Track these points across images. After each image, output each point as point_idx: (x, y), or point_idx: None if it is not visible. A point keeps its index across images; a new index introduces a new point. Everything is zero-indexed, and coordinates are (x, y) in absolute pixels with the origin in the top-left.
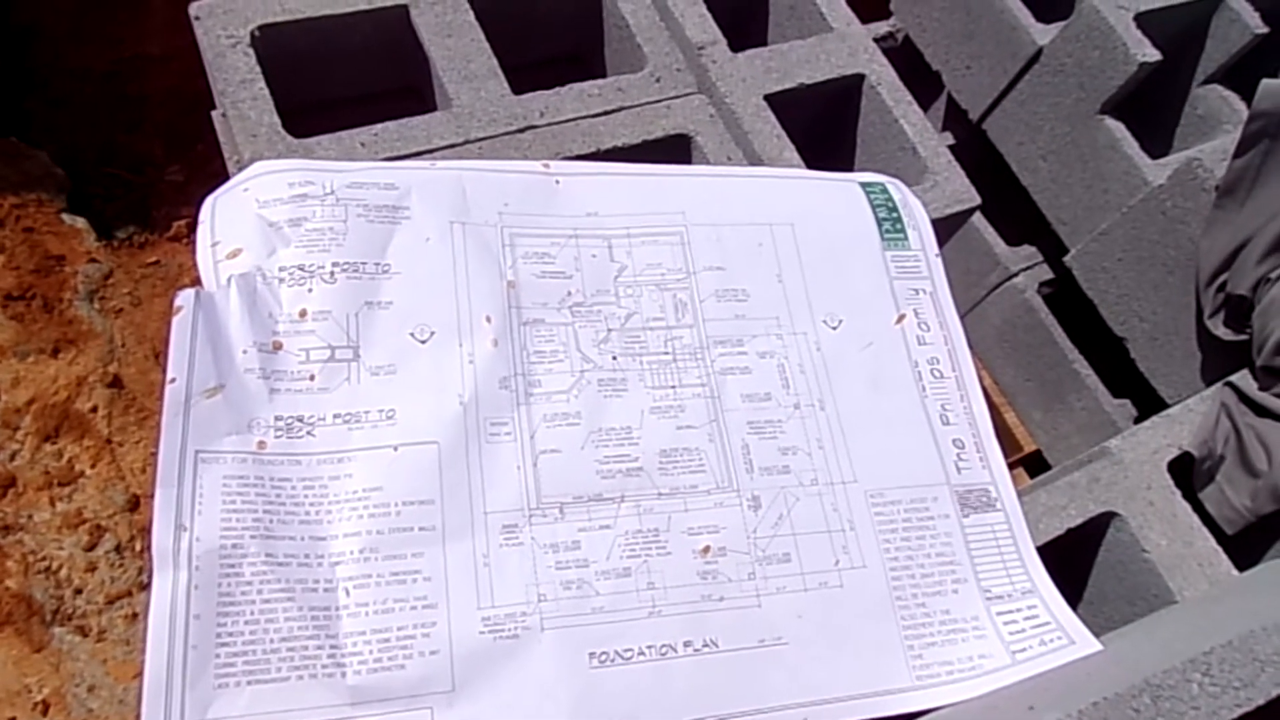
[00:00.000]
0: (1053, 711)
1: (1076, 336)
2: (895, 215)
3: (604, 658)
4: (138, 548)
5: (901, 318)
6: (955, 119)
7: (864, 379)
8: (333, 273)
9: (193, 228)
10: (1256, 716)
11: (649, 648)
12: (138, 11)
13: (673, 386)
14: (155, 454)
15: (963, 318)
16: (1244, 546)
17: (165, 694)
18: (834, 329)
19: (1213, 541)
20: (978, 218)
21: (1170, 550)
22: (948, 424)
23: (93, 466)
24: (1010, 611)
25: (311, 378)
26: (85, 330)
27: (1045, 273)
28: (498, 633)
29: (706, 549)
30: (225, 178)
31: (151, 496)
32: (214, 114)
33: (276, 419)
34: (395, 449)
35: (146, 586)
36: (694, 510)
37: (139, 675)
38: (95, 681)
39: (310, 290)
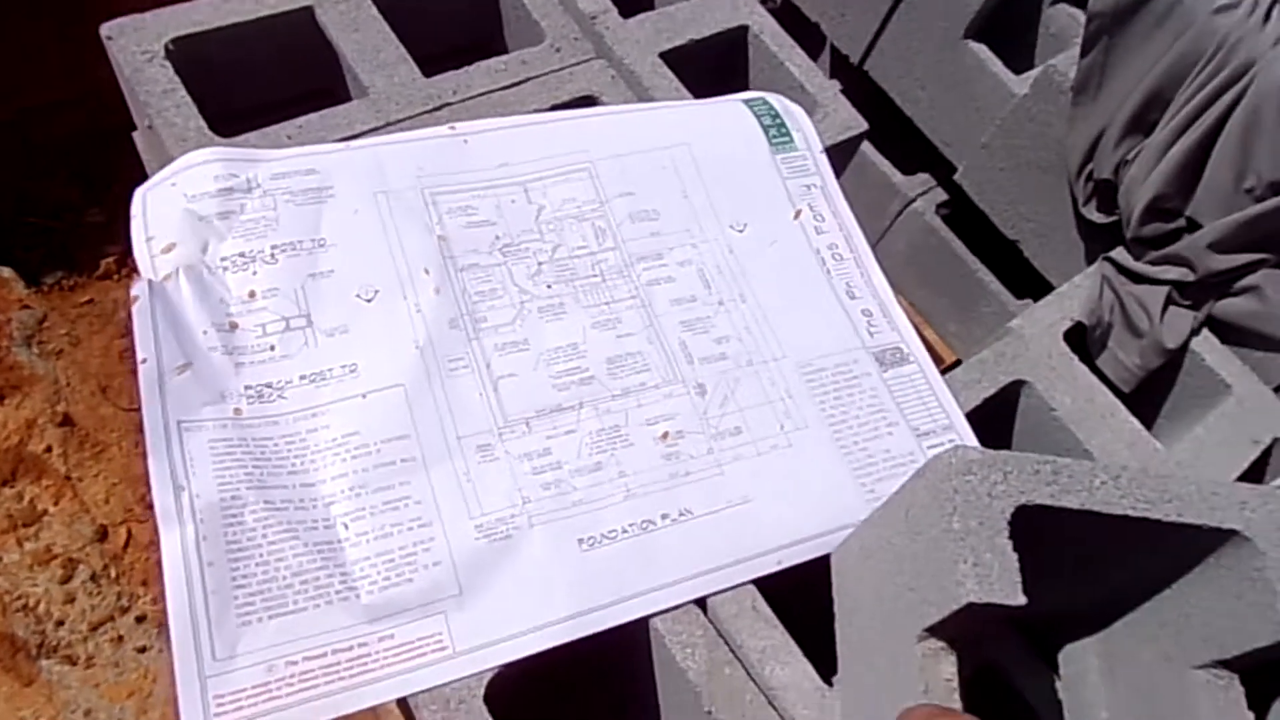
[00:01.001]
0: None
1: (977, 248)
2: (779, 122)
3: (591, 541)
4: (113, 574)
5: (798, 213)
6: (840, 67)
7: (775, 271)
8: (273, 254)
9: (121, 264)
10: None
11: (630, 525)
12: (32, 61)
13: (607, 303)
14: (117, 484)
15: (873, 248)
16: (1140, 400)
17: (194, 640)
18: (740, 232)
19: (1111, 396)
20: (873, 153)
21: (1075, 407)
22: (854, 298)
23: (55, 504)
24: (937, 445)
25: (272, 348)
26: (28, 375)
27: (941, 195)
28: (491, 536)
29: (665, 435)
30: None
31: (146, 481)
32: (135, 135)
33: (246, 388)
34: (364, 396)
35: (127, 610)
36: (647, 404)
37: (133, 694)
38: (91, 705)
39: (254, 273)
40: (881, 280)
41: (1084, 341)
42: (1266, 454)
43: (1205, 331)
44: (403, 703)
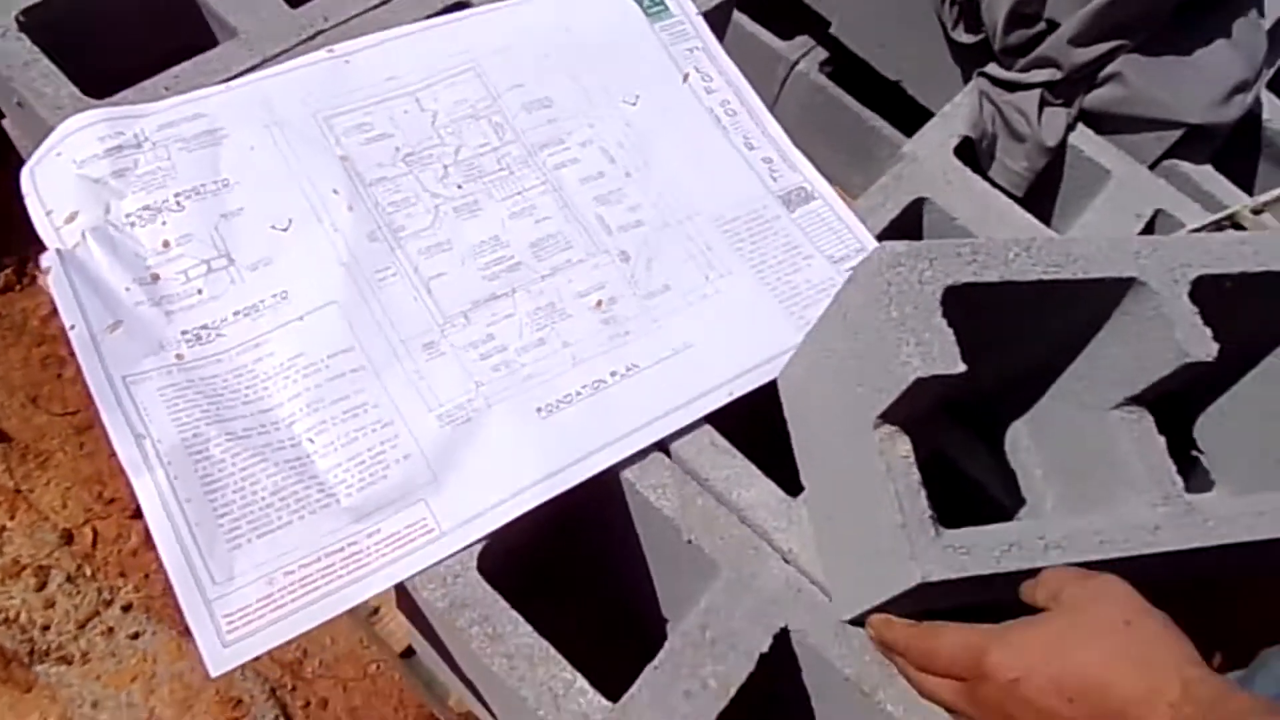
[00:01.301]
0: None
1: (865, 99)
2: None
3: (549, 408)
4: (88, 572)
5: (686, 76)
6: None
7: (674, 135)
8: (178, 202)
9: (20, 274)
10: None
11: (583, 388)
12: None
13: (519, 193)
14: (70, 487)
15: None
16: (1033, 201)
17: (190, 572)
18: (634, 105)
19: (1005, 199)
20: (750, 24)
21: (974, 214)
22: (753, 149)
23: (11, 518)
24: (853, 268)
25: (199, 291)
26: None
27: (822, 54)
28: (454, 421)
29: (599, 303)
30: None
31: (99, 480)
32: (5, 124)
33: (183, 333)
34: (301, 319)
35: (110, 602)
36: (576, 279)
37: (136, 678)
38: (96, 696)
39: (164, 223)
40: (776, 128)
41: (974, 156)
42: (1150, 226)
43: (1080, 126)
44: (402, 592)
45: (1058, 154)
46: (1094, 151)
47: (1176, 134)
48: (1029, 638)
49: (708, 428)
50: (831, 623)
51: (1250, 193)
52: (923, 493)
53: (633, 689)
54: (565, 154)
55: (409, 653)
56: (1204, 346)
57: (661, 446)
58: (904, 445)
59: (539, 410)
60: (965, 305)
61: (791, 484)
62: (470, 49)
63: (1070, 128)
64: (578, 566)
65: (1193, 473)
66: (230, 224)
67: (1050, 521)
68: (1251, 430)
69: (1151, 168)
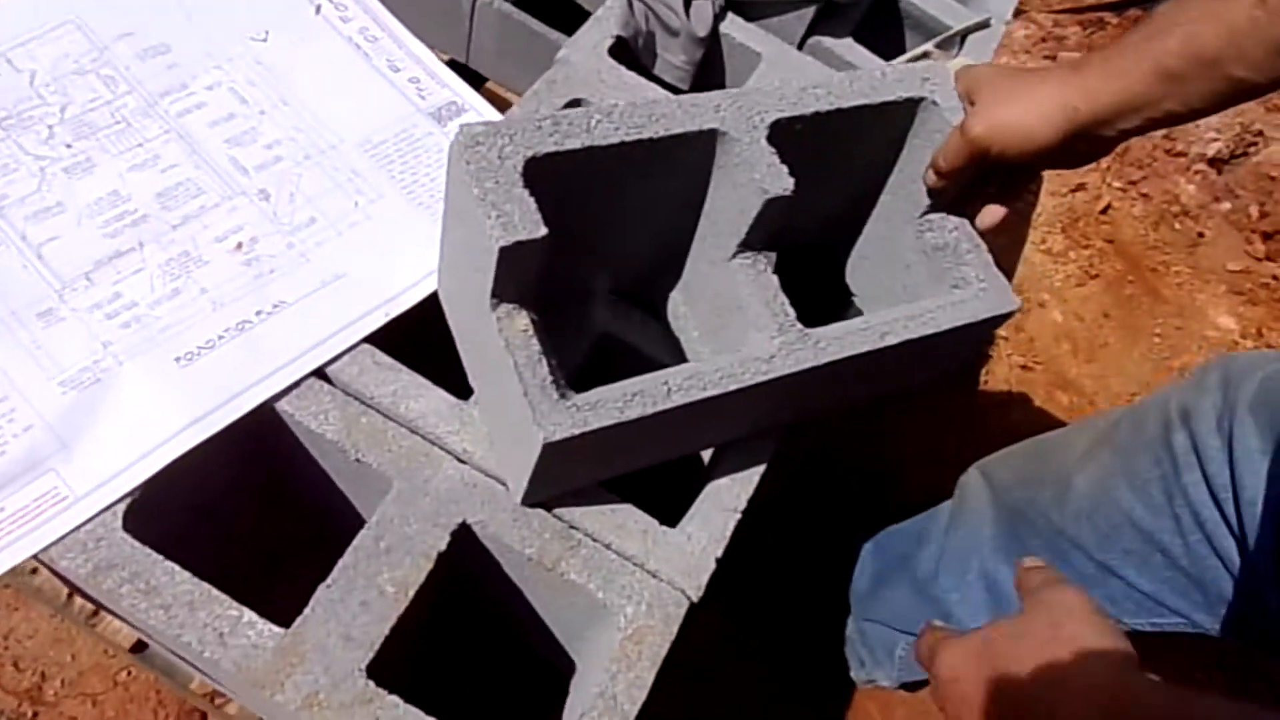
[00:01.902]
0: None
1: (552, 21)
2: None
3: (189, 356)
4: None
5: (319, 8)
6: None
7: (312, 67)
8: None
9: None
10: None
11: (226, 331)
12: None
13: (140, 144)
14: None
15: (466, 56)
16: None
17: None
18: (264, 41)
19: (662, 92)
20: None
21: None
22: (398, 70)
23: None
24: None
25: None
26: None
27: None
28: (79, 386)
29: (239, 245)
30: None
31: None
32: None
33: None
34: None
35: None
36: (213, 224)
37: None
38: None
39: None
40: (421, 48)
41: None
42: None
43: (731, 15)
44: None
45: (713, 44)
46: (744, 37)
47: (811, 11)
48: (971, 641)
49: (368, 348)
50: (509, 510)
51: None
52: (544, 361)
53: (306, 610)
54: (190, 99)
55: (140, 647)
56: (781, 182)
57: (322, 374)
58: (522, 320)
59: (178, 360)
60: (558, 175)
61: (465, 388)
62: (70, 2)
63: (719, 17)
64: (246, 501)
65: (849, 316)
66: None
67: (678, 370)
68: (881, 266)
69: (799, 47)
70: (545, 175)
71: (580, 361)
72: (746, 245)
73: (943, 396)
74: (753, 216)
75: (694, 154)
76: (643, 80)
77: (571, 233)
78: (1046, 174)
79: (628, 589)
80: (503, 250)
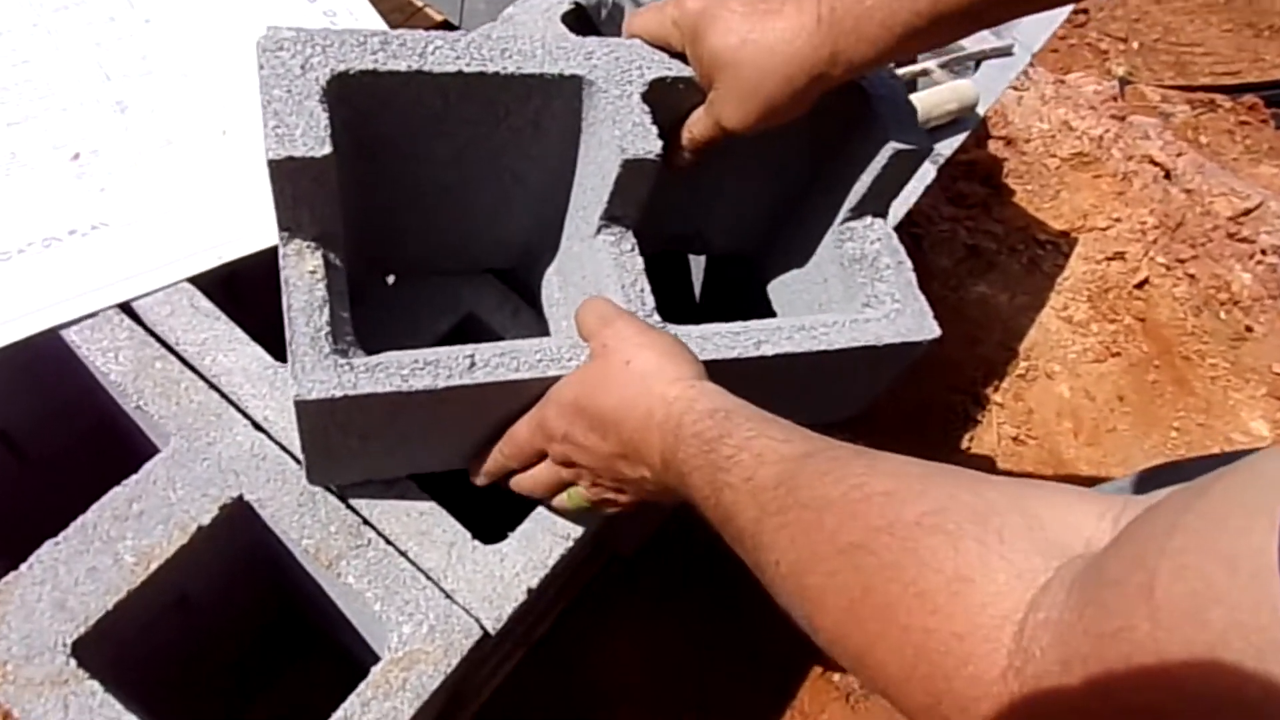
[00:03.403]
0: None
1: None
2: None
3: None
4: None
5: None
6: None
7: None
8: None
9: None
10: None
11: (29, 245)
12: None
13: (4, 33)
14: None
15: (459, 22)
16: None
17: None
18: None
19: None
20: None
21: None
22: (314, 1)
23: None
24: None
25: None
26: None
27: None
28: None
29: (76, 155)
30: None
31: None
32: None
33: None
34: None
35: None
36: (54, 127)
37: None
38: None
39: None
40: None
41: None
42: None
43: None
44: None
45: None
46: None
47: None
48: (551, 408)
49: (189, 288)
50: (296, 492)
51: None
52: (326, 310)
53: (23, 565)
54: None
55: None
56: (644, 144)
57: (130, 310)
58: (312, 260)
59: None
60: (384, 104)
61: None
62: None
63: None
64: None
65: None
66: None
67: (491, 345)
68: (799, 278)
69: None
70: (365, 100)
71: (434, 340)
72: (611, 218)
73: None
74: (612, 181)
75: (560, 106)
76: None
77: (420, 187)
78: (1081, 237)
79: (410, 605)
80: (273, 164)
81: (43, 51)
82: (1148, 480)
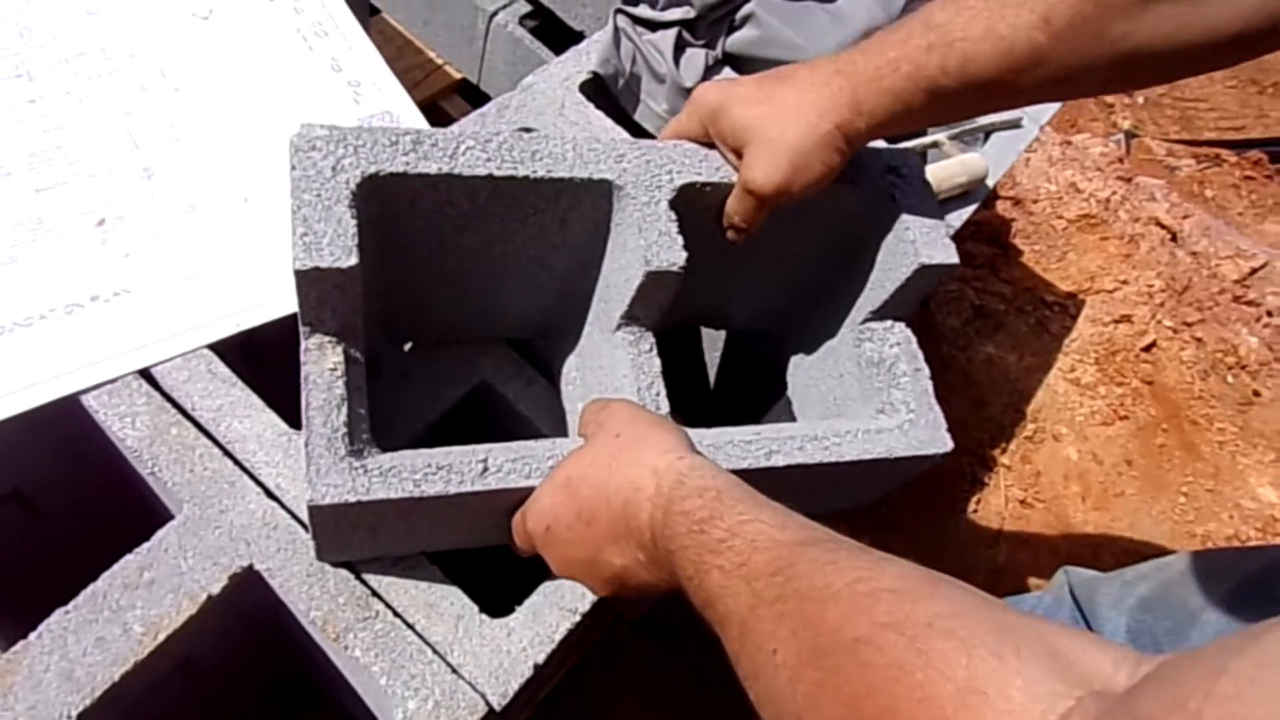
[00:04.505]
0: None
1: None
2: None
3: None
4: None
5: None
6: None
7: (249, 54)
8: None
9: None
10: None
11: (51, 310)
12: None
13: (32, 100)
14: None
15: (478, 81)
16: None
17: None
18: (206, 19)
19: (626, 134)
20: None
21: None
22: (339, 70)
23: None
24: None
25: None
26: None
27: (524, 8)
28: None
29: (102, 221)
30: None
31: None
32: None
33: None
34: None
35: None
36: (80, 194)
37: None
38: None
39: None
40: (370, 51)
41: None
42: None
43: (727, 69)
44: None
45: None
46: None
47: None
48: (545, 490)
49: (207, 354)
50: (306, 562)
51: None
52: (344, 409)
53: (32, 635)
54: (104, 64)
55: None
56: (668, 256)
57: (149, 375)
58: (333, 357)
59: None
60: (414, 201)
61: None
62: None
63: (712, 69)
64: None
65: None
66: None
67: (505, 447)
68: (817, 368)
69: None
70: (395, 199)
71: (448, 406)
72: (631, 318)
73: (907, 516)
74: (634, 288)
75: (589, 205)
76: (609, 122)
77: (445, 273)
78: (1088, 299)
79: (417, 680)
80: (299, 275)
81: (74, 119)
82: (1170, 566)
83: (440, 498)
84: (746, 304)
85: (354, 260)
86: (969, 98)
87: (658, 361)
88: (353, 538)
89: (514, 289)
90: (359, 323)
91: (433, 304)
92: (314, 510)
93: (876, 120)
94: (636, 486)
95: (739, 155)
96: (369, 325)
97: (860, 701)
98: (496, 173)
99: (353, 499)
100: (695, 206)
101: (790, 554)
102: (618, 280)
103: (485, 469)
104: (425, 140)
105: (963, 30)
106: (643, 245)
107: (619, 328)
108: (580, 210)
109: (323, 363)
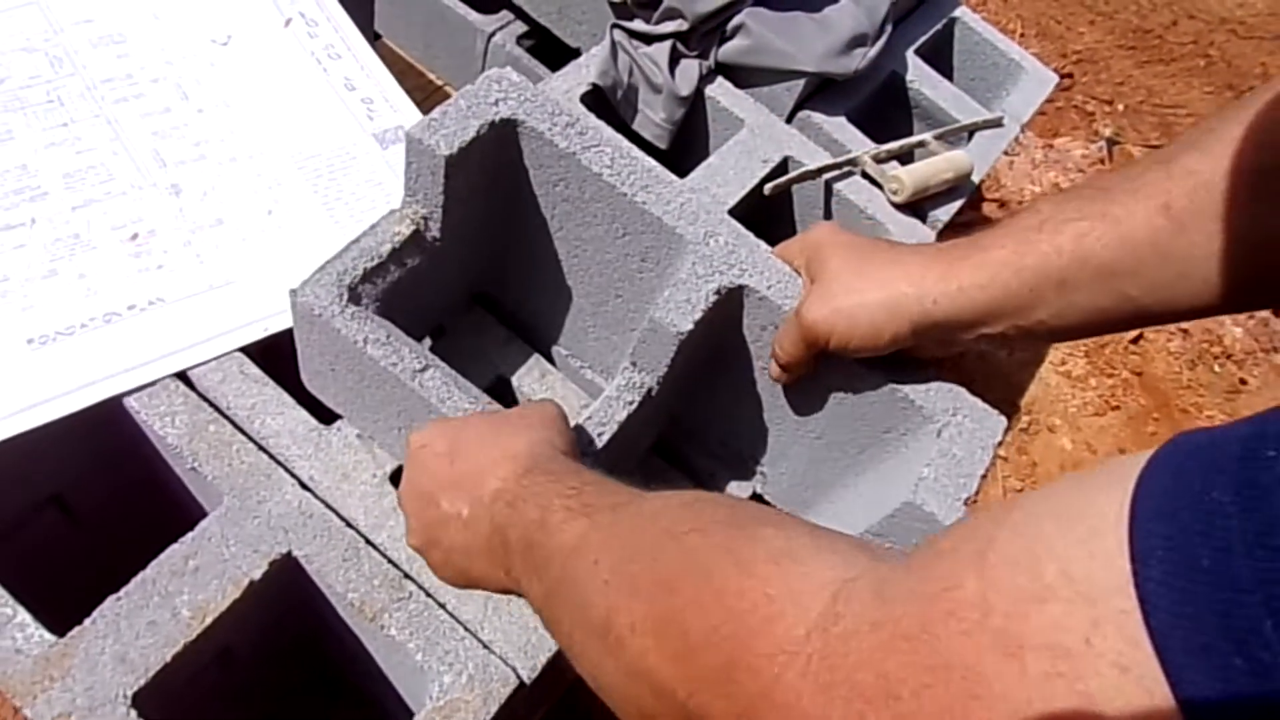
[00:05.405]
0: None
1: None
2: None
3: (43, 339)
4: None
5: (288, 21)
6: None
7: (267, 76)
8: None
9: None
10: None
11: (91, 320)
12: None
13: (64, 124)
14: None
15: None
16: (679, 154)
17: None
18: (225, 45)
19: (631, 148)
20: (454, 2)
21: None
22: (353, 89)
23: None
24: None
25: None
26: None
27: (520, 28)
28: None
29: (135, 236)
30: None
31: None
32: None
33: None
34: None
35: None
36: (113, 210)
37: None
38: None
39: None
40: (382, 71)
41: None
42: (777, 171)
43: (720, 79)
44: None
45: (698, 107)
46: (729, 102)
47: (801, 83)
48: (449, 419)
49: (239, 356)
50: (342, 547)
51: None
52: (374, 263)
53: (86, 620)
54: (130, 88)
55: None
56: (679, 319)
57: (185, 377)
58: (406, 226)
59: (30, 342)
60: (539, 164)
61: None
62: None
63: (706, 79)
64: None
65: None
66: None
67: (449, 373)
68: (799, 456)
69: (788, 121)
70: (523, 154)
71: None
72: (633, 364)
73: None
74: (640, 332)
75: (664, 251)
76: (618, 137)
77: (546, 253)
78: None
79: (451, 655)
80: (408, 137)
81: (104, 140)
82: None
83: (378, 370)
84: (761, 453)
85: (449, 152)
86: (1084, 282)
87: (623, 415)
88: (319, 364)
89: (583, 295)
90: (441, 217)
91: (527, 280)
92: (292, 303)
93: (969, 307)
94: (495, 453)
95: (812, 280)
96: (461, 273)
97: (677, 577)
98: (607, 175)
99: (317, 312)
100: (733, 310)
101: (626, 497)
102: (636, 322)
103: (423, 370)
104: (576, 123)
105: (1072, 210)
106: (664, 298)
107: (622, 372)
108: (656, 254)
109: (393, 224)
